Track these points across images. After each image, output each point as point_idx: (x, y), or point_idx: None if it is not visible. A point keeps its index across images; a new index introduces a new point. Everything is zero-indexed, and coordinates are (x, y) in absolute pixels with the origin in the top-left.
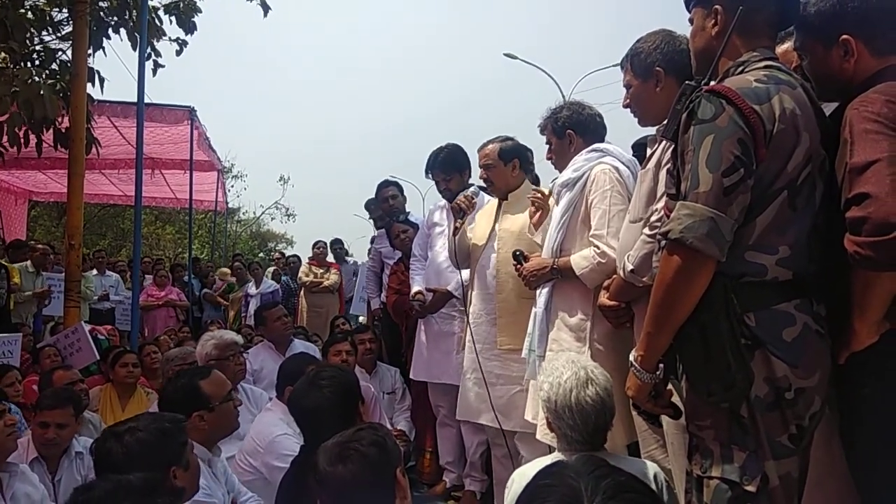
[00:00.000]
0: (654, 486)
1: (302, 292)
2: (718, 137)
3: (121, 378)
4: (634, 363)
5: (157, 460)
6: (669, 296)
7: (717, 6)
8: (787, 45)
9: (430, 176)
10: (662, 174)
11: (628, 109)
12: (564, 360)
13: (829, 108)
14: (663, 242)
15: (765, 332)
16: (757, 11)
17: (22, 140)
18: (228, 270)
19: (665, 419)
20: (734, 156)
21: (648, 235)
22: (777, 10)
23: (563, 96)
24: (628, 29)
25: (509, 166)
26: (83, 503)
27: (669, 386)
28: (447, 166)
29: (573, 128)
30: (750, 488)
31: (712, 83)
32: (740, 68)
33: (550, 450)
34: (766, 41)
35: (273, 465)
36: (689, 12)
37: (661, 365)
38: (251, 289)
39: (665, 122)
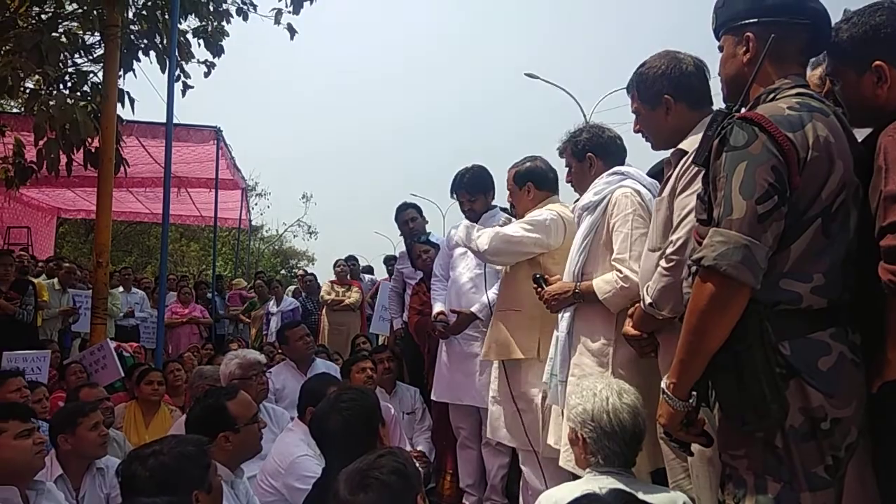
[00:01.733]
0: None
1: (324, 310)
2: (752, 164)
3: (146, 395)
4: (666, 391)
5: (180, 484)
6: (703, 323)
7: (748, 34)
8: (817, 72)
9: (454, 196)
10: (677, 203)
11: (640, 134)
12: (593, 380)
13: (860, 133)
14: (694, 269)
15: (800, 362)
16: (789, 39)
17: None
18: (244, 282)
19: (694, 449)
20: (768, 183)
21: (665, 269)
22: (809, 37)
23: (585, 115)
24: (650, 48)
25: (523, 190)
26: None
27: (701, 414)
28: (472, 187)
29: (593, 151)
30: None
31: (744, 110)
32: (772, 95)
33: (573, 477)
34: (797, 68)
35: (294, 487)
36: (719, 40)
37: (694, 393)
38: (272, 307)
39: (678, 146)
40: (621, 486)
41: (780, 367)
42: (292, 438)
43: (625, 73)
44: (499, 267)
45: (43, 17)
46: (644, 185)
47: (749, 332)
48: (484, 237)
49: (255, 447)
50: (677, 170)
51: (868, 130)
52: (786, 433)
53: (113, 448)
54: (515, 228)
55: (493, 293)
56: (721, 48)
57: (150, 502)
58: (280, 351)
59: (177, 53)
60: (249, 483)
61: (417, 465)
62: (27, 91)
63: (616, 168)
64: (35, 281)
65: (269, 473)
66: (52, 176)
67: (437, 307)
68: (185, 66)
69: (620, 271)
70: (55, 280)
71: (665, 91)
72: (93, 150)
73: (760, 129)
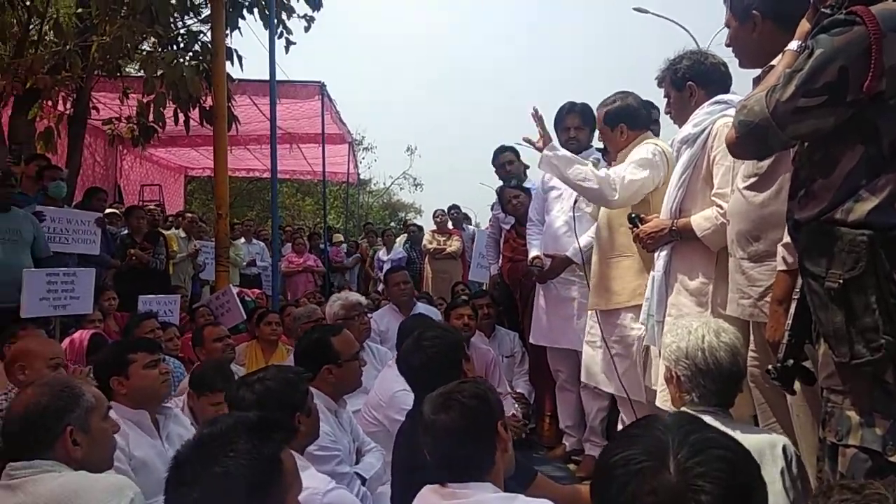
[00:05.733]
0: (783, 458)
1: (427, 259)
2: (825, 55)
3: (265, 335)
4: None
5: (284, 405)
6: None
7: None
8: None
9: (562, 124)
10: None
11: (730, 48)
12: (690, 318)
13: None
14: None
15: None
16: None
17: (171, 118)
18: (341, 237)
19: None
20: (826, 81)
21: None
22: None
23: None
24: None
25: (616, 131)
26: (207, 436)
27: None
28: (585, 115)
29: (694, 79)
30: (894, 459)
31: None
32: None
33: None
34: None
35: (393, 418)
36: None
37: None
38: (382, 255)
39: (771, 62)
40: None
41: (893, 297)
42: (392, 374)
43: None
44: (589, 210)
45: None
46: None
47: (861, 259)
48: (606, 188)
49: (355, 382)
50: None
51: None
52: None
53: None
54: (631, 171)
55: (586, 238)
56: None
57: (243, 415)
58: (385, 297)
59: (277, 9)
60: (354, 416)
61: (517, 405)
62: (144, 53)
63: (718, 97)
64: (165, 233)
65: (372, 406)
66: (176, 136)
67: (534, 252)
68: (286, 22)
69: (721, 207)
70: (181, 230)
71: (755, 6)
72: (207, 108)
73: (861, 21)
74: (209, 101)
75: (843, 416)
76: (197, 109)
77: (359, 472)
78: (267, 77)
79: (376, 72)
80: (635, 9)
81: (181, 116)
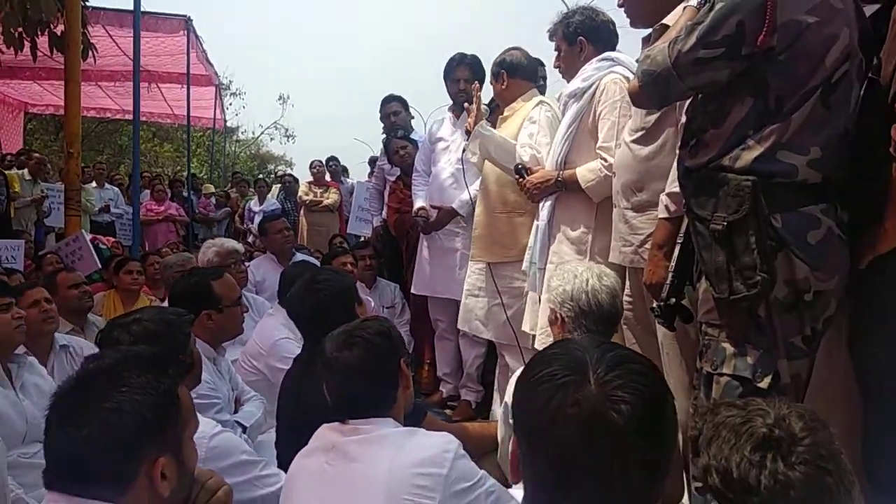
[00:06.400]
0: None
1: (302, 211)
2: (725, 8)
3: (125, 285)
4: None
5: (166, 347)
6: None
7: None
8: None
9: (451, 75)
10: None
11: (622, 9)
12: (575, 263)
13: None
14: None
15: (790, 234)
16: None
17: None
18: (212, 187)
19: (662, 332)
20: (725, 34)
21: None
22: None
23: None
24: None
25: (499, 80)
26: (93, 371)
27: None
28: (475, 67)
29: (585, 34)
30: (761, 385)
31: None
32: None
33: None
34: None
35: (275, 367)
36: None
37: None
38: (254, 205)
39: (662, 21)
40: None
41: (770, 239)
42: (273, 322)
43: None
44: (474, 159)
45: None
46: (634, 73)
47: (744, 203)
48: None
49: (236, 328)
50: None
51: (875, 8)
52: (769, 304)
53: (93, 332)
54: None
55: (473, 189)
56: None
57: (132, 349)
58: (258, 248)
59: None
60: (232, 366)
61: None
62: None
63: (606, 54)
64: (6, 173)
65: (251, 355)
66: (16, 67)
67: (419, 203)
68: None
69: (605, 160)
70: (25, 171)
71: None
72: (58, 35)
73: None
74: (61, 27)
75: (718, 347)
76: (46, 37)
77: (239, 420)
78: (127, 6)
79: (250, 12)
80: None
81: (27, 43)
